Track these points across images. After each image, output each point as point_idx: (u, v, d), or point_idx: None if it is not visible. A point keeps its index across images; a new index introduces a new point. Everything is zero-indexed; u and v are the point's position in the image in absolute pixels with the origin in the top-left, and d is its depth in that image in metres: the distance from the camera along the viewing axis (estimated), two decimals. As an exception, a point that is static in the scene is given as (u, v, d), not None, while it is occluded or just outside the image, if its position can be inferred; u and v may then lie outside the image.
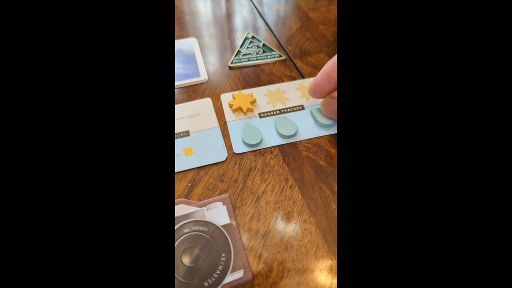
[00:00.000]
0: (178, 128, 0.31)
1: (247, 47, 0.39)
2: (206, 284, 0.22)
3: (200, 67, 0.37)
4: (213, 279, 0.23)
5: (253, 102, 0.33)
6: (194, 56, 0.38)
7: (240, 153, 0.30)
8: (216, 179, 0.28)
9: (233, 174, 0.28)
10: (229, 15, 0.45)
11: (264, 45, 0.40)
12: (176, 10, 0.46)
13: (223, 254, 0.24)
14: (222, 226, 0.25)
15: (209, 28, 0.43)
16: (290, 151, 0.30)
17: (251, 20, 0.45)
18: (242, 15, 0.46)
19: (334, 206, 0.26)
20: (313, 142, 0.30)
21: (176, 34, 0.42)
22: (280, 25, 0.44)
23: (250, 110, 0.32)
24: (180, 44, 0.39)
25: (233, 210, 0.26)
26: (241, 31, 0.42)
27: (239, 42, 0.40)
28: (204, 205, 0.26)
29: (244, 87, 0.35)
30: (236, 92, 0.34)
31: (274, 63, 0.38)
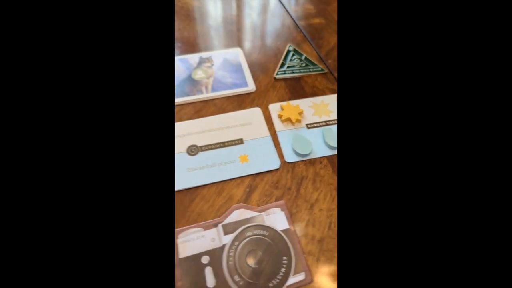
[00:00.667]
0: (232, 136, 0.33)
1: (290, 60, 0.41)
2: (271, 285, 0.24)
3: (247, 77, 0.39)
4: (277, 281, 0.24)
5: (301, 113, 0.35)
6: (241, 66, 0.40)
7: (292, 162, 0.31)
8: (271, 186, 0.30)
9: (287, 182, 0.30)
10: (269, 28, 0.47)
11: (306, 58, 0.41)
12: (219, 20, 0.48)
13: (285, 258, 0.25)
14: (282, 231, 0.27)
15: (252, 39, 0.45)
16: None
17: (290, 33, 0.46)
18: (282, 28, 0.48)
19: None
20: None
21: (221, 43, 0.44)
22: (317, 38, 0.45)
23: (298, 121, 0.34)
24: (226, 54, 0.41)
25: (290, 216, 0.28)
26: (282, 44, 0.44)
27: (281, 54, 0.42)
28: (263, 210, 0.28)
29: (289, 98, 0.37)
30: (284, 103, 0.36)
31: (316, 76, 0.40)
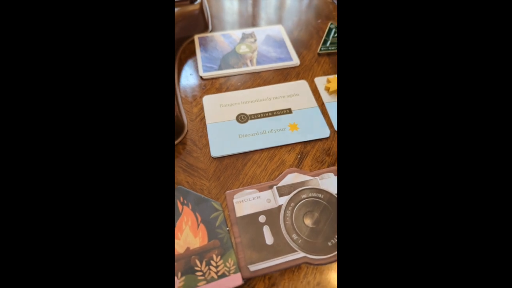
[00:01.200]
0: (281, 105, 0.33)
1: (333, 36, 0.41)
2: (329, 244, 0.24)
3: (291, 51, 0.39)
4: (335, 240, 0.24)
5: (348, 86, 0.35)
6: (284, 41, 0.40)
7: (341, 132, 0.31)
8: (322, 153, 0.29)
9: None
10: (310, 7, 0.47)
11: (348, 35, 0.41)
12: None
13: (342, 219, 0.25)
14: (336, 194, 0.27)
15: (292, 17, 0.45)
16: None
17: (330, 11, 0.46)
18: (322, 7, 0.47)
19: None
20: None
21: (263, 21, 0.44)
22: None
23: (346, 93, 0.34)
24: (269, 31, 0.41)
25: (344, 182, 0.27)
26: (323, 22, 0.44)
27: (322, 32, 0.42)
28: (317, 175, 0.28)
29: (334, 73, 0.37)
30: (331, 76, 0.35)
31: (359, 52, 0.39)
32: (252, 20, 0.44)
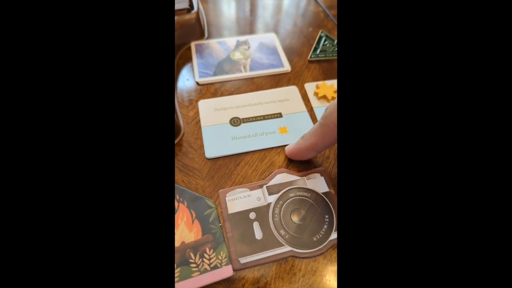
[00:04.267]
0: (272, 110, 0.35)
1: (323, 44, 0.43)
2: (314, 239, 0.26)
3: (283, 58, 0.41)
4: (320, 236, 0.26)
5: (336, 91, 0.37)
6: (276, 49, 0.42)
7: (328, 135, 0.33)
8: (310, 155, 0.31)
9: (325, 152, 0.32)
10: (301, 16, 0.49)
11: (337, 43, 0.43)
12: (255, 7, 0.50)
13: (327, 216, 0.27)
14: (323, 193, 0.28)
15: (285, 26, 0.47)
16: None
17: (321, 20, 0.48)
18: (313, 16, 0.50)
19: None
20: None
21: (257, 28, 0.46)
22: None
23: (334, 98, 0.36)
24: (263, 38, 0.44)
25: (329, 181, 0.29)
26: (314, 30, 0.46)
27: (313, 39, 0.44)
28: (305, 175, 0.30)
29: (324, 79, 0.39)
30: (320, 82, 0.37)
31: (348, 59, 0.42)
32: (248, 28, 0.46)
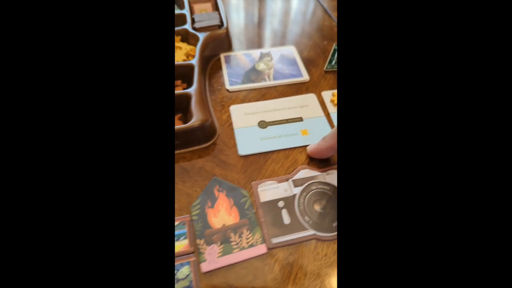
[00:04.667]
0: (293, 114, 0.40)
1: (337, 56, 0.48)
2: (334, 225, 0.31)
3: (302, 69, 0.46)
4: (339, 222, 0.31)
5: (349, 99, 0.42)
6: (295, 60, 0.47)
7: (344, 137, 0.38)
8: (328, 154, 0.36)
9: (341, 152, 0.36)
10: (317, 31, 0.55)
11: (350, 55, 0.48)
12: (275, 21, 0.55)
13: (344, 206, 0.32)
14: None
15: (302, 39, 0.52)
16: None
17: (334, 34, 0.54)
18: (327, 30, 0.55)
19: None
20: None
21: (278, 42, 0.51)
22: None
23: (348, 105, 0.41)
24: (283, 50, 0.49)
25: (345, 177, 0.34)
26: (329, 43, 0.51)
27: (328, 52, 0.49)
28: (324, 171, 0.34)
29: (338, 88, 0.44)
30: (335, 91, 0.42)
31: (359, 70, 0.47)
32: (270, 41, 0.52)
